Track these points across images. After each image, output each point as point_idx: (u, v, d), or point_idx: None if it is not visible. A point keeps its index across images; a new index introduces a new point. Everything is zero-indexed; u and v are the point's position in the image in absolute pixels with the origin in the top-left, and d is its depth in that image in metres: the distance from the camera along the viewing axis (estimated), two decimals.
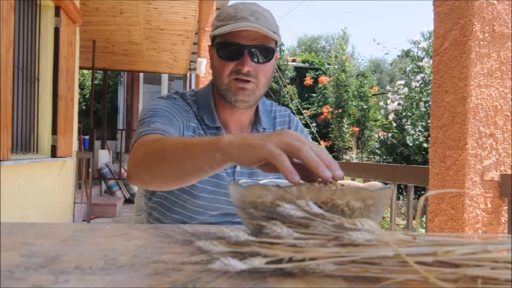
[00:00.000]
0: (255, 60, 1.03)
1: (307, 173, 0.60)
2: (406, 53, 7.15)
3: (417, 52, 6.85)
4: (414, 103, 6.74)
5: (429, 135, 2.66)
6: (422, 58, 6.71)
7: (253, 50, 1.02)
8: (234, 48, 1.02)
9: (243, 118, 1.15)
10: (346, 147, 10.02)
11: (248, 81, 1.04)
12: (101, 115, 9.21)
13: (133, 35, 6.93)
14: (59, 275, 0.43)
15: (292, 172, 0.57)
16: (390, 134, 7.16)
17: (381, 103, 8.83)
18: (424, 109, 6.56)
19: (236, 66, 1.03)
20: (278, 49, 1.12)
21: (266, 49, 1.04)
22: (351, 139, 10.08)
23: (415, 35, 6.78)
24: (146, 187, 0.95)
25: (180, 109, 1.08)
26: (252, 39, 1.02)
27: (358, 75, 10.91)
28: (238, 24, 1.00)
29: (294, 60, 12.06)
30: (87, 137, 7.68)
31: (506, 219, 1.54)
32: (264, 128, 1.18)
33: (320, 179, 0.57)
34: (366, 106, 10.19)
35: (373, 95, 10.82)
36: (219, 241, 0.44)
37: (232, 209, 1.09)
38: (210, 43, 1.12)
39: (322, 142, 9.61)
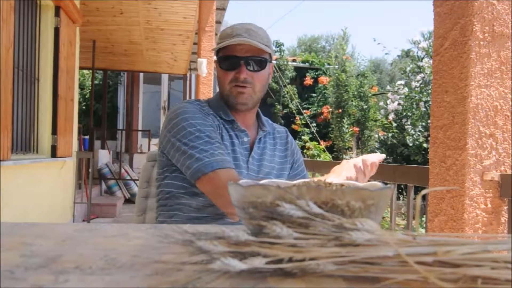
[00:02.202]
0: (251, 68, 1.24)
1: None
2: (406, 53, 7.14)
3: (417, 52, 6.85)
4: (414, 103, 6.74)
5: (429, 135, 2.66)
6: (422, 58, 6.70)
7: (248, 60, 1.23)
8: (232, 60, 1.24)
9: (247, 119, 1.34)
10: (346, 147, 10.02)
11: (245, 86, 1.24)
12: (101, 115, 9.20)
13: (133, 35, 6.93)
14: (59, 275, 0.43)
15: None
16: (390, 134, 7.16)
17: (381, 103, 8.83)
18: (424, 109, 6.56)
19: (235, 75, 1.24)
20: (272, 61, 1.34)
21: (259, 59, 1.25)
22: (351, 139, 10.07)
23: (415, 35, 6.77)
24: None
25: (205, 112, 1.26)
26: (247, 51, 1.23)
27: (358, 75, 10.89)
28: (234, 39, 1.22)
29: (294, 60, 12.04)
30: (87, 137, 7.67)
31: (506, 219, 1.54)
32: (268, 131, 1.38)
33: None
34: (366, 106, 10.18)
35: (373, 95, 10.80)
36: (219, 241, 0.44)
37: None
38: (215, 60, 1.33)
39: (322, 142, 9.61)
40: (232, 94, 1.26)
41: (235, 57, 1.23)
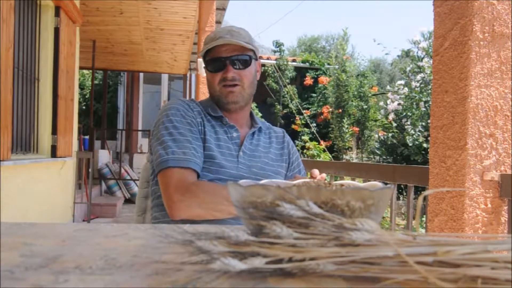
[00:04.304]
0: (237, 67, 1.29)
1: None
2: (406, 53, 7.14)
3: (417, 52, 6.85)
4: (414, 103, 6.74)
5: (429, 135, 2.66)
6: (422, 58, 6.70)
7: (233, 60, 1.28)
8: (218, 61, 1.29)
9: (239, 117, 1.37)
10: (346, 147, 10.01)
11: (234, 85, 1.29)
12: (101, 115, 9.20)
13: (133, 35, 6.93)
14: (59, 275, 0.43)
15: None
16: (390, 134, 7.16)
17: (381, 103, 8.83)
18: (424, 109, 6.56)
19: (222, 75, 1.29)
20: (258, 59, 1.38)
21: (244, 57, 1.30)
22: (351, 139, 10.07)
23: (415, 35, 6.77)
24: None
25: (188, 112, 1.29)
26: (231, 51, 1.28)
27: (358, 75, 10.89)
28: (216, 41, 1.27)
29: (294, 60, 12.03)
30: (87, 137, 7.67)
31: (506, 219, 1.54)
32: (260, 127, 1.41)
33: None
34: (366, 106, 10.18)
35: (373, 95, 10.80)
36: (219, 241, 0.44)
37: None
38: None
39: (322, 142, 9.60)
40: (223, 95, 1.30)
41: (220, 58, 1.28)
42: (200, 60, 4.91)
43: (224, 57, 1.28)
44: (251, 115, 1.43)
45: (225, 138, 1.30)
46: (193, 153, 1.20)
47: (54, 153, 3.99)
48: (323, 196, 0.48)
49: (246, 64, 1.30)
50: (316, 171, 1.19)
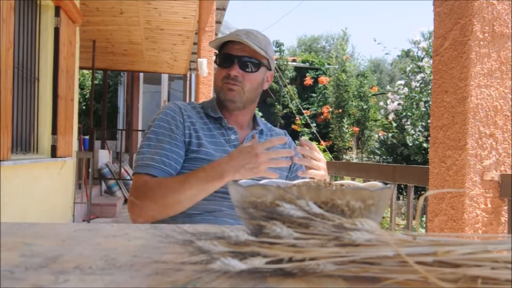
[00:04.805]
0: (243, 68, 1.28)
1: None
2: (406, 53, 7.14)
3: (417, 52, 6.85)
4: (414, 103, 6.74)
5: (429, 135, 2.66)
6: (422, 58, 6.70)
7: (241, 60, 1.27)
8: (227, 58, 1.29)
9: (240, 119, 1.37)
10: (346, 147, 10.02)
11: (235, 84, 1.28)
12: (101, 115, 9.20)
13: (133, 35, 6.93)
14: (59, 275, 0.43)
15: None
16: (390, 134, 7.16)
17: (381, 103, 8.83)
18: (424, 109, 6.56)
19: (227, 72, 1.28)
20: (271, 69, 1.37)
21: (253, 60, 1.29)
22: (351, 139, 10.07)
23: (415, 35, 6.77)
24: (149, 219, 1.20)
25: (176, 116, 1.29)
26: (242, 51, 1.28)
27: (358, 75, 10.90)
28: (229, 36, 1.28)
29: (294, 60, 12.04)
30: (87, 137, 7.67)
31: (506, 219, 1.54)
32: (262, 130, 1.42)
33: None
34: (366, 106, 10.18)
35: (373, 95, 10.80)
36: (219, 241, 0.44)
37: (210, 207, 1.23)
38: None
39: (322, 142, 9.61)
40: (223, 90, 1.30)
41: (230, 55, 1.29)
42: (201, 60, 4.91)
43: (233, 55, 1.28)
44: (254, 117, 1.44)
45: (221, 141, 1.31)
46: (162, 159, 1.20)
47: (54, 153, 3.99)
48: (323, 196, 0.48)
49: (253, 67, 1.29)
50: (303, 139, 1.21)
